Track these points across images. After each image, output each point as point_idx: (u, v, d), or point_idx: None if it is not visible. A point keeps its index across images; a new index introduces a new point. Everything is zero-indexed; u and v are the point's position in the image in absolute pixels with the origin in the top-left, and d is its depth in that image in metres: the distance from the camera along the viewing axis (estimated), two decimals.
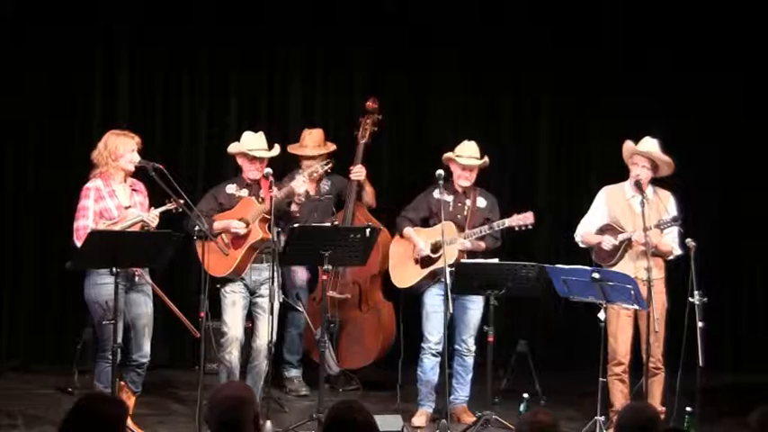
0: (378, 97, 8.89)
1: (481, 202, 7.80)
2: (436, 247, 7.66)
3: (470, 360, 7.72)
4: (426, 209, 7.81)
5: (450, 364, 7.67)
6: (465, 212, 7.71)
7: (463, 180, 7.74)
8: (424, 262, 7.74)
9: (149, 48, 9.43)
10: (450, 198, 7.79)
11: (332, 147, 8.65)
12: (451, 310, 7.38)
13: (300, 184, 7.45)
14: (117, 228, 6.85)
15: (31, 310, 9.33)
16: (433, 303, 7.67)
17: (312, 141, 8.64)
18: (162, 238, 6.83)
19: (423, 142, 9.94)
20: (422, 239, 7.76)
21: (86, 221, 6.89)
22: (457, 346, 7.71)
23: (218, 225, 7.38)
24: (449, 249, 7.48)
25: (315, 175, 7.77)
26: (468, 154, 7.76)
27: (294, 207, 7.56)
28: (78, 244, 6.84)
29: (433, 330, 7.64)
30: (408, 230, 7.83)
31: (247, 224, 7.36)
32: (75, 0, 9.22)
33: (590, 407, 7.23)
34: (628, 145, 7.55)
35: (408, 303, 8.15)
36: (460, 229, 7.66)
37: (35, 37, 9.12)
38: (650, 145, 7.52)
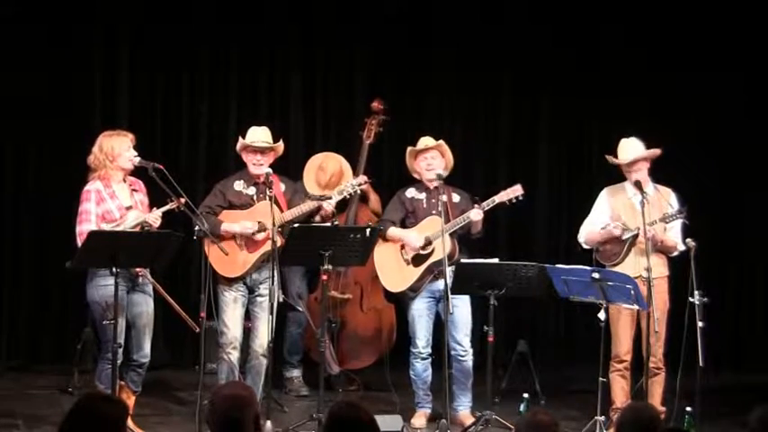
0: (383, 98, 8.88)
1: (455, 197, 7.73)
2: (425, 244, 7.62)
3: (468, 364, 7.60)
4: (402, 209, 7.75)
5: (450, 365, 7.62)
6: (440, 208, 7.46)
7: (427, 171, 7.61)
8: (417, 260, 7.68)
9: (149, 48, 9.43)
10: (422, 195, 7.72)
11: (349, 177, 8.41)
12: (451, 310, 7.33)
13: (333, 203, 7.50)
14: (119, 230, 6.85)
15: (31, 310, 9.33)
16: (419, 307, 7.63)
17: (330, 178, 8.45)
18: (162, 238, 6.83)
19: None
20: (411, 233, 7.65)
21: (90, 225, 6.86)
22: (452, 351, 7.55)
23: (228, 226, 7.35)
24: (438, 242, 7.43)
25: (345, 194, 7.69)
26: (423, 143, 7.72)
27: (317, 218, 7.59)
28: None
29: (420, 335, 7.62)
30: (393, 230, 7.69)
31: (264, 229, 7.32)
32: (75, 0, 9.22)
33: (590, 405, 7.22)
34: (611, 161, 7.55)
35: (401, 308, 8.19)
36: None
37: (35, 37, 9.12)
38: (629, 150, 7.50)
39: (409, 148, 7.77)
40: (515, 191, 7.54)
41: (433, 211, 7.53)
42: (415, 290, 7.64)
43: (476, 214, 7.49)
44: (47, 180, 9.19)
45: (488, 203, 7.52)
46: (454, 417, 7.57)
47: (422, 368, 7.65)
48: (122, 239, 6.76)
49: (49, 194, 9.09)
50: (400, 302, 8.15)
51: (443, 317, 7.40)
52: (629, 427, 4.23)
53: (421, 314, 7.62)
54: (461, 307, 7.55)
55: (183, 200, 6.88)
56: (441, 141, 7.74)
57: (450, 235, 7.52)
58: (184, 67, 9.58)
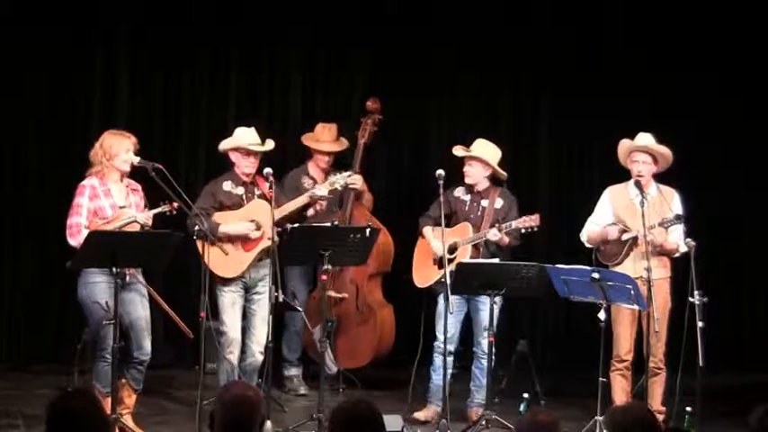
0: (379, 97, 8.88)
1: (498, 203, 7.82)
2: (453, 248, 7.68)
3: (486, 362, 7.61)
4: (447, 207, 7.83)
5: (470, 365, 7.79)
6: (479, 212, 7.73)
7: (466, 177, 7.75)
8: (441, 263, 7.71)
9: (149, 48, 9.43)
10: (467, 197, 7.84)
11: (345, 144, 8.71)
12: (451, 311, 7.36)
13: (324, 192, 7.62)
14: (110, 227, 6.88)
15: (31, 310, 9.33)
16: (444, 303, 7.68)
17: (329, 136, 8.66)
18: (162, 238, 6.84)
19: (423, 143, 9.94)
20: (436, 240, 7.75)
21: (79, 219, 6.93)
22: (474, 349, 7.75)
23: (227, 229, 7.36)
24: (461, 250, 7.60)
25: (336, 186, 7.80)
26: (475, 148, 7.81)
27: (311, 212, 7.65)
28: (71, 241, 6.93)
29: (441, 329, 7.65)
30: (426, 230, 7.87)
31: (259, 227, 7.36)
32: (75, 0, 9.22)
33: (590, 405, 7.22)
34: (624, 143, 7.56)
35: (404, 309, 8.21)
36: (476, 229, 7.71)
37: (35, 37, 9.12)
38: (646, 138, 7.55)
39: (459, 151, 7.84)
40: (533, 220, 7.57)
41: (471, 216, 7.76)
42: (436, 285, 7.73)
43: (492, 235, 7.60)
44: (47, 180, 9.20)
45: (506, 227, 7.60)
46: (465, 412, 7.71)
47: (438, 364, 7.67)
48: (122, 239, 6.77)
49: (48, 194, 9.08)
50: (402, 303, 8.22)
51: (470, 316, 7.66)
52: (627, 428, 4.20)
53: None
54: (485, 311, 7.55)
55: (176, 204, 6.92)
56: (473, 152, 7.78)
57: (475, 245, 7.67)
58: (184, 67, 9.58)
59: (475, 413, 7.65)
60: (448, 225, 7.80)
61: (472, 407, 7.76)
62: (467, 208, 7.82)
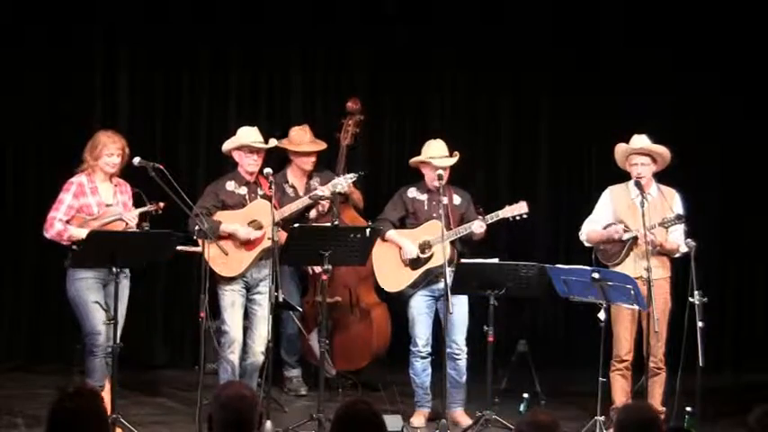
0: (358, 97, 8.85)
1: (456, 200, 7.77)
2: (424, 247, 7.63)
3: (462, 363, 7.60)
4: (402, 208, 7.79)
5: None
6: (440, 210, 7.55)
7: (437, 181, 7.57)
8: (414, 263, 7.69)
9: (149, 48, 9.43)
10: (424, 197, 7.76)
11: (323, 144, 8.61)
12: (451, 311, 7.33)
13: (326, 194, 7.58)
14: (95, 224, 6.92)
15: (31, 310, 9.34)
16: (419, 306, 7.65)
17: (304, 138, 8.60)
18: (162, 237, 6.85)
19: (423, 142, 9.92)
20: (407, 241, 7.70)
21: (56, 213, 7.03)
22: (448, 349, 7.53)
23: (226, 228, 7.37)
24: (440, 247, 7.49)
25: (338, 189, 7.71)
26: (439, 154, 7.70)
27: (313, 214, 7.63)
28: (45, 234, 7.04)
29: (421, 334, 7.63)
30: (391, 233, 7.74)
31: (260, 227, 7.37)
32: (75, 0, 9.22)
33: (590, 405, 7.22)
34: (621, 147, 7.55)
35: (396, 306, 8.21)
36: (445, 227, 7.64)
37: (35, 37, 9.12)
38: (642, 140, 7.55)
39: (420, 159, 7.75)
40: (521, 208, 7.54)
41: (434, 214, 7.58)
42: (413, 287, 7.67)
43: (478, 227, 7.53)
44: (47, 180, 9.19)
45: (492, 217, 7.55)
46: (449, 415, 7.55)
47: (421, 367, 7.66)
48: (121, 239, 6.79)
49: (49, 194, 9.06)
50: (394, 300, 8.18)
51: (442, 316, 7.44)
52: (632, 427, 4.21)
53: (420, 313, 7.63)
54: (459, 306, 7.54)
55: (162, 204, 6.97)
56: (455, 158, 7.70)
57: (451, 242, 7.57)
58: (184, 67, 9.58)
59: (458, 414, 7.60)
60: (403, 226, 7.77)
61: (454, 408, 7.62)
62: (427, 207, 7.71)
